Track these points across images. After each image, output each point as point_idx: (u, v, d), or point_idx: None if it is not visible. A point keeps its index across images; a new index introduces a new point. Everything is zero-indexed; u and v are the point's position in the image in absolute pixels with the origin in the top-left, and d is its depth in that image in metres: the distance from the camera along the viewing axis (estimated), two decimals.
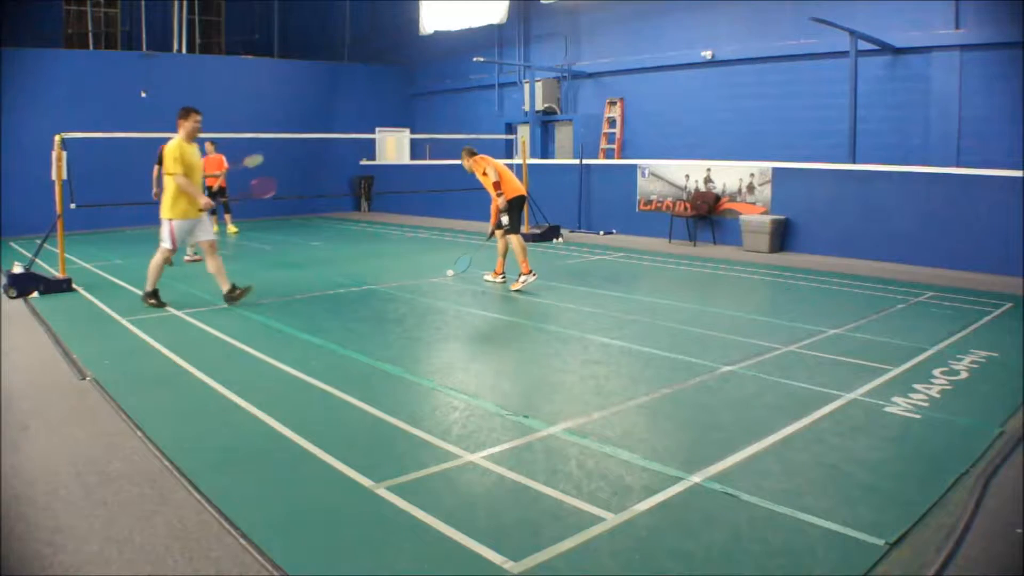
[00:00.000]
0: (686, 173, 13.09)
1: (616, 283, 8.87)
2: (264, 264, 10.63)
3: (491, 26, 18.03)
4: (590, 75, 16.75)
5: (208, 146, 12.96)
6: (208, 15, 21.44)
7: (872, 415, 4.30)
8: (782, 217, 11.57)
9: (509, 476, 3.48)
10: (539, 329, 6.54)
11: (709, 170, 12.76)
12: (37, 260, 8.87)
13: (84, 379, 5.07)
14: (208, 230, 7.48)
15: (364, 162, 20.14)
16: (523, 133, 17.43)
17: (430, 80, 20.68)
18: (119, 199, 14.08)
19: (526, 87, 17.51)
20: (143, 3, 18.34)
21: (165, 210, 7.14)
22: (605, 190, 14.41)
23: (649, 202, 13.67)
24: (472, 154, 8.49)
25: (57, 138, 8.33)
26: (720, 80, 14.32)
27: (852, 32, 11.17)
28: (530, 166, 14.13)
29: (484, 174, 8.28)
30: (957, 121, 11.19)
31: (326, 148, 18.76)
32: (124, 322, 6.77)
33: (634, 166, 14.00)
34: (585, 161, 14.61)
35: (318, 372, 5.14)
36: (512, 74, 18.33)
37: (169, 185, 7.08)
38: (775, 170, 11.83)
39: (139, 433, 4.04)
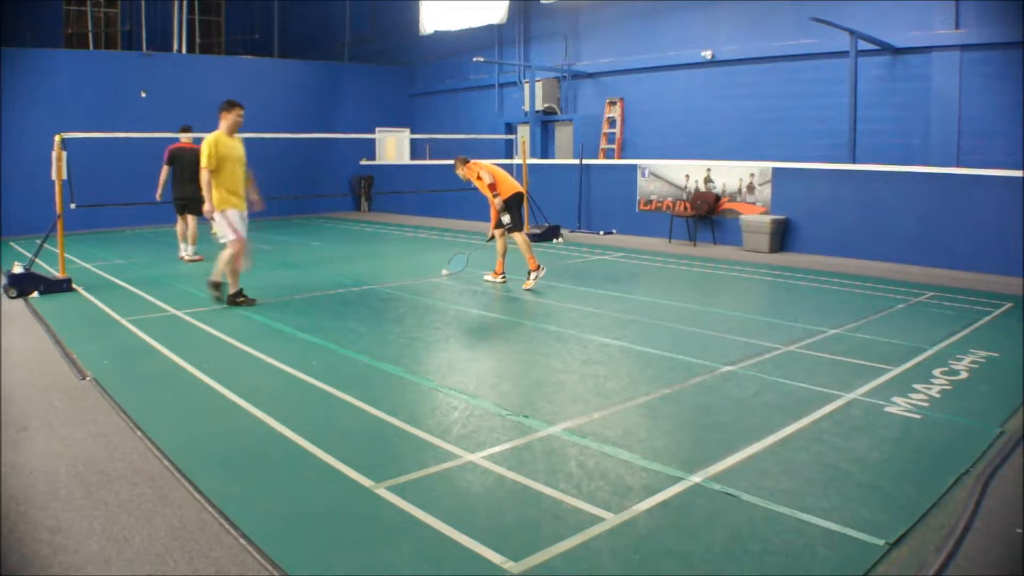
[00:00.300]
0: (686, 173, 13.09)
1: (616, 283, 8.87)
2: (264, 264, 10.61)
3: (491, 26, 18.04)
4: (590, 75, 16.75)
5: None
6: (208, 15, 21.44)
7: (872, 415, 4.30)
8: (782, 217, 11.58)
9: (509, 476, 3.48)
10: (539, 329, 6.54)
11: (709, 170, 12.76)
12: (37, 260, 8.88)
13: (84, 379, 5.07)
14: (247, 227, 7.44)
15: (364, 162, 20.15)
16: (523, 133, 17.43)
17: (430, 80, 20.68)
18: (119, 199, 14.08)
19: (526, 87, 17.51)
20: (143, 3, 18.35)
21: (215, 203, 7.05)
22: (605, 190, 14.41)
23: (649, 202, 13.67)
24: (465, 162, 8.52)
25: (57, 138, 8.33)
26: (720, 80, 14.32)
27: (852, 32, 11.17)
28: (530, 166, 14.13)
29: (478, 178, 8.30)
30: (957, 121, 11.19)
31: (326, 148, 18.77)
32: (124, 322, 6.77)
33: (634, 166, 14.00)
34: (585, 161, 14.61)
35: (318, 372, 5.14)
36: (512, 74, 18.33)
37: (202, 179, 7.01)
38: (775, 170, 11.83)
39: (139, 433, 4.04)
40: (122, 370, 5.30)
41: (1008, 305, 7.49)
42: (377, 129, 20.18)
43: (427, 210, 18.07)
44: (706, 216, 12.54)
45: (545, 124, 17.84)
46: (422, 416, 4.34)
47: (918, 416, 4.29)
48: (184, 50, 18.31)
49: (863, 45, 11.45)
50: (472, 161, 8.51)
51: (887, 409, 4.39)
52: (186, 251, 10.87)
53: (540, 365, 5.44)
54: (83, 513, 3.14)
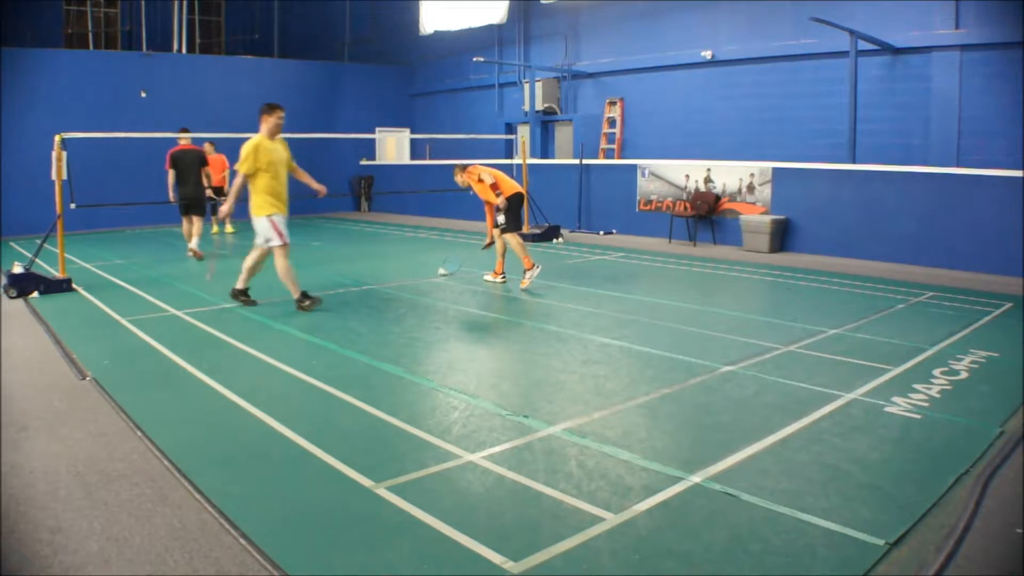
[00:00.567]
0: (686, 173, 13.09)
1: (616, 283, 8.87)
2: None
3: (491, 26, 18.04)
4: (590, 75, 16.75)
5: (207, 147, 12.99)
6: (208, 15, 21.44)
7: (872, 415, 4.30)
8: (782, 217, 11.58)
9: (509, 476, 3.48)
10: (539, 329, 6.54)
11: (709, 170, 12.76)
12: (37, 260, 8.88)
13: (84, 379, 5.07)
14: None
15: (364, 162, 20.15)
16: (523, 133, 17.43)
17: (430, 80, 20.68)
18: (119, 199, 14.10)
19: (526, 87, 17.51)
20: (143, 3, 18.35)
21: (257, 208, 6.95)
22: (605, 190, 14.41)
23: (649, 202, 13.67)
24: (463, 169, 8.53)
25: (57, 138, 8.33)
26: (720, 80, 14.32)
27: (852, 32, 11.17)
28: (530, 166, 14.13)
29: (479, 181, 8.29)
30: (957, 121, 11.19)
31: (326, 148, 18.74)
32: (124, 322, 6.77)
33: (634, 166, 14.00)
34: (585, 161, 14.61)
35: (318, 372, 5.14)
36: (512, 74, 18.33)
37: (254, 183, 6.90)
38: (775, 170, 11.83)
39: (139, 433, 4.04)
40: (122, 370, 5.30)
41: (1008, 305, 7.49)
42: (377, 129, 20.18)
43: (427, 210, 18.07)
44: (706, 216, 12.54)
45: (545, 124, 17.84)
46: (422, 416, 4.34)
47: (918, 416, 4.29)
48: (184, 50, 18.31)
49: (863, 45, 11.45)
50: (470, 166, 8.53)
51: (887, 409, 4.39)
52: (196, 245, 11.08)
53: (540, 365, 5.44)
54: (83, 513, 3.14)
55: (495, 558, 2.76)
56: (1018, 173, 9.23)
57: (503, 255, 8.67)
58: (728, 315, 7.09)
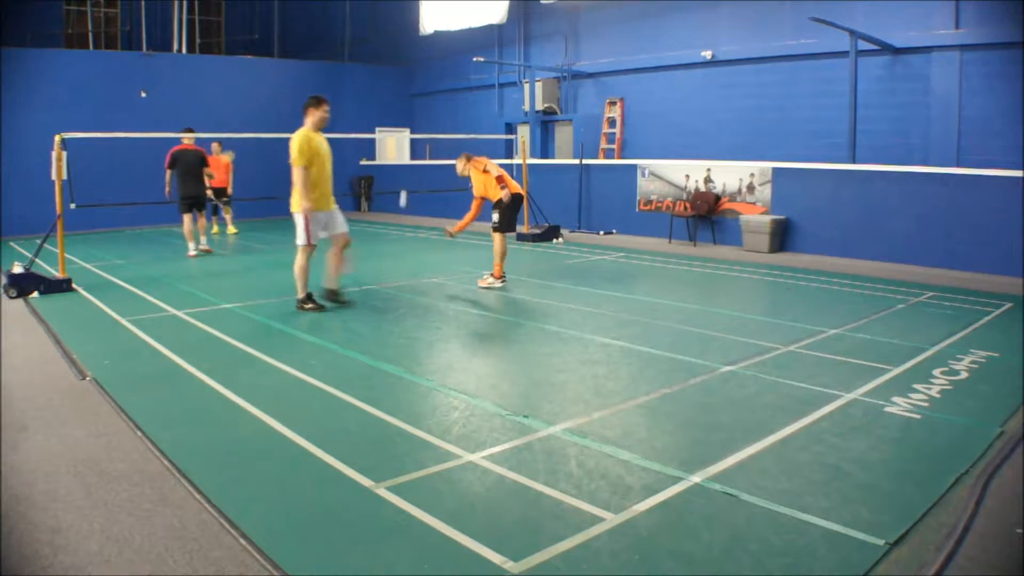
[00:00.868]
0: (686, 173, 13.09)
1: (616, 283, 8.87)
2: (264, 264, 10.65)
3: (491, 26, 18.04)
4: (590, 75, 16.75)
5: (215, 146, 12.99)
6: (208, 15, 21.44)
7: (872, 415, 4.30)
8: (782, 217, 11.57)
9: (509, 476, 3.48)
10: (539, 329, 6.54)
11: (709, 170, 12.76)
12: (37, 260, 8.88)
13: (84, 379, 5.07)
14: (343, 222, 7.24)
15: (364, 162, 20.14)
16: (523, 133, 17.44)
17: (430, 80, 20.68)
18: (119, 199, 14.09)
19: (526, 87, 17.51)
20: (143, 3, 18.35)
21: (294, 203, 6.86)
22: (605, 190, 14.41)
23: (649, 202, 13.67)
24: (469, 159, 8.53)
25: (57, 138, 8.33)
26: (720, 80, 14.32)
27: (852, 32, 11.17)
28: (530, 166, 14.13)
29: (485, 171, 8.28)
30: (957, 121, 11.19)
31: None
32: (124, 322, 6.77)
33: (634, 166, 14.00)
34: (585, 161, 14.61)
35: (318, 372, 5.14)
36: (512, 74, 18.33)
37: (296, 177, 6.79)
38: (775, 170, 11.83)
39: (139, 433, 4.04)
40: (122, 370, 5.30)
41: (1008, 305, 7.49)
42: (377, 129, 20.17)
43: (427, 210, 18.06)
44: (706, 216, 12.54)
45: (545, 124, 17.84)
46: (422, 416, 4.34)
47: (918, 416, 4.29)
48: (184, 50, 18.31)
49: (863, 45, 11.45)
50: (477, 157, 8.53)
51: (887, 409, 4.39)
52: (194, 248, 11.09)
53: (540, 365, 5.44)
54: (83, 513, 3.14)
55: (495, 558, 2.76)
56: (1018, 173, 9.22)
57: (503, 257, 8.64)
58: (728, 315, 7.09)
